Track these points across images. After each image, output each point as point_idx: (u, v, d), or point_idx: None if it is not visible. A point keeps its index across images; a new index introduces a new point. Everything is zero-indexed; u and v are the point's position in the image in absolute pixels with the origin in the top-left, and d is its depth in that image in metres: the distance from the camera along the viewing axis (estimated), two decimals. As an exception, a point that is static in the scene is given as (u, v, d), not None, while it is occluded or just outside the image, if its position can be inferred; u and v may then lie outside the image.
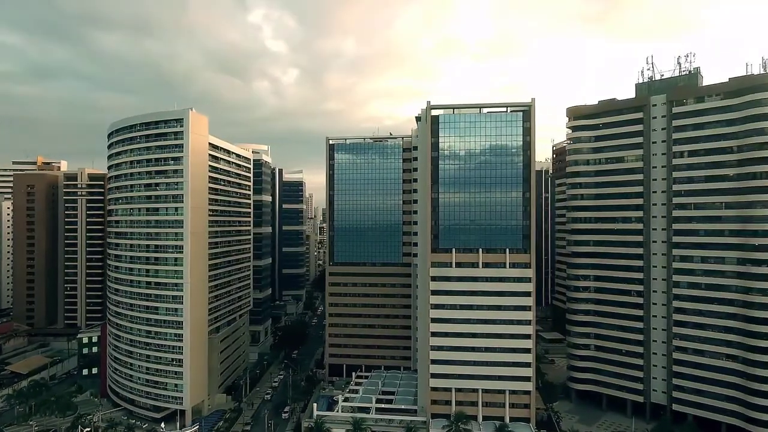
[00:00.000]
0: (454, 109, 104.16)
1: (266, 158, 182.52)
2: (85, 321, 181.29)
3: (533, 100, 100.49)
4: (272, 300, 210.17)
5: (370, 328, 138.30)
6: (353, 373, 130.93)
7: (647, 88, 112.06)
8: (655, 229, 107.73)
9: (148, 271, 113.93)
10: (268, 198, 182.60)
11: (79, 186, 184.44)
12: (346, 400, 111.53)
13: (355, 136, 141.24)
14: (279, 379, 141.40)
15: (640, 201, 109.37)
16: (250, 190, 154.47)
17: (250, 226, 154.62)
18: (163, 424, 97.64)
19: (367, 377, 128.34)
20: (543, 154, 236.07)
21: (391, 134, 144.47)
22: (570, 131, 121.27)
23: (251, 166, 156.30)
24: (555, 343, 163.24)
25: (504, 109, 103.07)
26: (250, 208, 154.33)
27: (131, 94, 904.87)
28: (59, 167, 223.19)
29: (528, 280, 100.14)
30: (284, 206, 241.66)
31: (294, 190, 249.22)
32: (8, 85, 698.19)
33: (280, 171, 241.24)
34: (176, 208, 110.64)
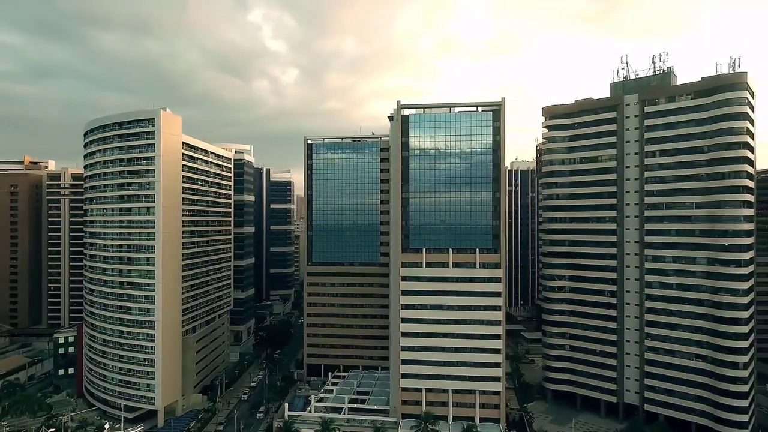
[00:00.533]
0: (424, 108, 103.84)
1: (249, 158, 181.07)
2: (68, 321, 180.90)
3: (503, 99, 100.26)
4: (258, 300, 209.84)
5: (348, 328, 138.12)
6: (329, 374, 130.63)
7: (622, 88, 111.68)
8: (629, 229, 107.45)
9: (121, 271, 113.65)
10: (250, 198, 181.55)
11: (63, 186, 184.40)
12: (320, 400, 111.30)
13: (333, 136, 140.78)
14: (258, 379, 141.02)
15: (614, 201, 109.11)
16: (230, 190, 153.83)
17: (230, 225, 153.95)
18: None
19: (344, 377, 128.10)
20: (530, 154, 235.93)
21: (373, 134, 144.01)
22: (546, 131, 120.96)
23: (232, 166, 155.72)
24: (537, 343, 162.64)
25: (474, 108, 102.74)
26: (230, 207, 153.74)
27: (131, 93, 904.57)
28: (46, 167, 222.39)
29: (498, 280, 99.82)
30: (272, 206, 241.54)
31: (282, 190, 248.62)
32: (8, 85, 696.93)
33: (267, 170, 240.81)
34: (148, 208, 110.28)
